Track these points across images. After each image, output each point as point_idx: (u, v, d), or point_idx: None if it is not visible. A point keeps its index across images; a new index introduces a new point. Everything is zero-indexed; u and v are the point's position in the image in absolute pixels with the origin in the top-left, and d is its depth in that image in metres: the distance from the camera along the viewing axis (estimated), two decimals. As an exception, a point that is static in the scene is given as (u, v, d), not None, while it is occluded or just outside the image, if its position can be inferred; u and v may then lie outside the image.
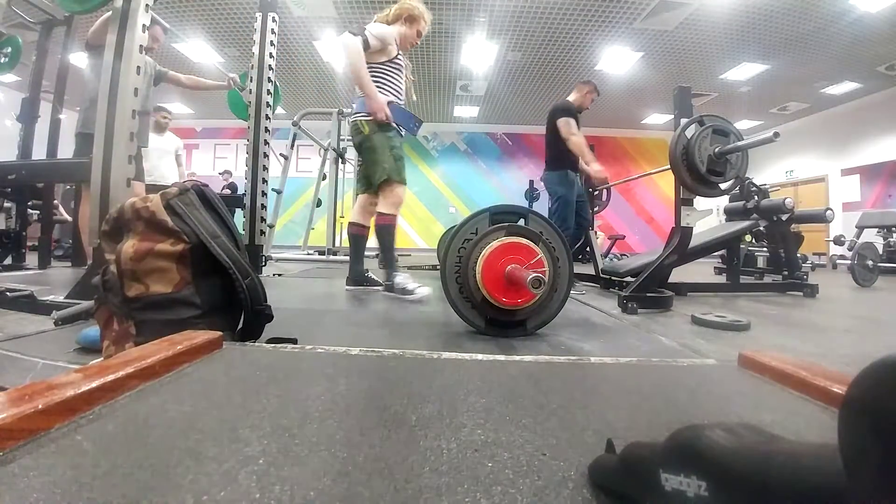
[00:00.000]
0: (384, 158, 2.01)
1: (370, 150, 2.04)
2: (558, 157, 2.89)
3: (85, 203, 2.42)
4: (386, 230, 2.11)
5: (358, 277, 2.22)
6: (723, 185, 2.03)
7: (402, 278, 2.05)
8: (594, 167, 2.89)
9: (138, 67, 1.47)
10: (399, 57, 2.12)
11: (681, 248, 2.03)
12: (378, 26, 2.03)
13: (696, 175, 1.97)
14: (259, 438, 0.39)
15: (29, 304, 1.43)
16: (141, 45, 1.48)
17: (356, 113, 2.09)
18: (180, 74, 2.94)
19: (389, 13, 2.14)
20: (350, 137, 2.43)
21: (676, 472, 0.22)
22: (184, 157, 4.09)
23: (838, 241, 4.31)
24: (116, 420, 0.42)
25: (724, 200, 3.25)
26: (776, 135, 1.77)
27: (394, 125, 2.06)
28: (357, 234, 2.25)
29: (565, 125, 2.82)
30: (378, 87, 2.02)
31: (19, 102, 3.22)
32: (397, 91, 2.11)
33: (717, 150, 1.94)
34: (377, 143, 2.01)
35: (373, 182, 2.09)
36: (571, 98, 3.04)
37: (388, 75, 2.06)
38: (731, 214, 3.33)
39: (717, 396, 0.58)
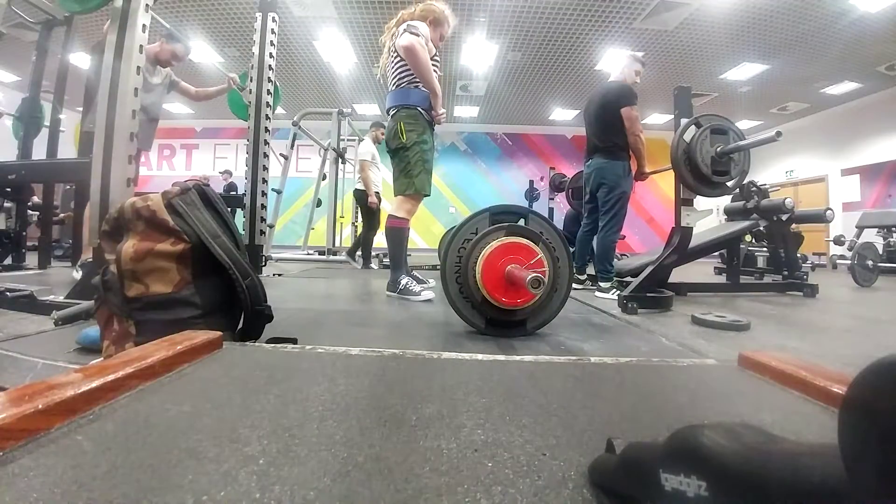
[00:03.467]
0: (416, 172, 2.05)
1: (405, 159, 2.08)
2: (621, 145, 2.55)
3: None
4: (397, 232, 2.15)
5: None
6: (729, 184, 2.03)
7: (407, 279, 2.09)
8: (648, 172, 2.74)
9: (138, 67, 1.47)
10: (436, 56, 2.15)
11: (681, 248, 2.03)
12: (421, 25, 2.04)
13: (698, 175, 1.97)
14: (259, 438, 0.39)
15: (29, 304, 1.43)
16: (141, 45, 1.48)
17: (393, 107, 2.11)
18: (189, 86, 2.95)
19: (415, 12, 2.14)
20: (350, 137, 2.45)
21: (676, 472, 0.22)
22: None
23: (838, 241, 4.31)
24: (116, 420, 0.42)
25: (724, 200, 3.25)
26: (778, 134, 1.76)
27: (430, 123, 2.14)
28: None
29: (637, 119, 2.49)
30: (416, 85, 2.05)
31: (19, 102, 3.22)
32: None
33: (719, 149, 1.94)
34: (413, 156, 2.05)
35: (396, 190, 2.13)
36: (623, 78, 2.64)
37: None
38: (731, 214, 3.33)
39: (717, 396, 0.58)
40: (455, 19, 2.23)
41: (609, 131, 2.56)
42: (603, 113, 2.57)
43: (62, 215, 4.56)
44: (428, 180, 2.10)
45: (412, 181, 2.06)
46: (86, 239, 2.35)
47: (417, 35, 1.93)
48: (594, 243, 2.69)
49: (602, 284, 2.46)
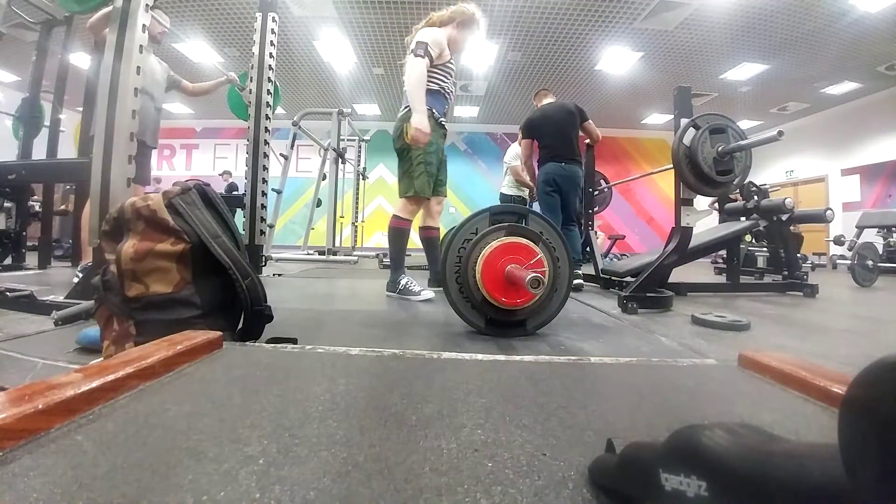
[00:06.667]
0: (417, 174, 2.05)
1: (407, 160, 2.08)
2: (580, 155, 2.99)
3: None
4: (399, 232, 2.15)
5: (439, 279, 2.27)
6: (734, 182, 2.02)
7: (406, 279, 2.10)
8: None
9: (138, 67, 1.47)
10: (451, 61, 2.14)
11: (681, 248, 2.03)
12: (431, 32, 2.03)
13: (700, 175, 1.97)
14: (259, 438, 0.39)
15: (29, 304, 1.43)
16: (141, 45, 1.48)
17: (403, 107, 2.11)
18: (187, 82, 2.95)
19: (445, 14, 2.16)
20: (350, 137, 2.44)
21: (676, 472, 0.22)
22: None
23: (838, 241, 4.31)
24: (116, 420, 0.42)
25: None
26: (780, 133, 1.76)
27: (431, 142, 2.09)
28: (429, 238, 2.34)
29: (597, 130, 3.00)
30: (428, 87, 2.04)
31: (19, 102, 3.22)
32: (447, 93, 2.16)
33: (720, 148, 1.93)
34: (414, 156, 2.05)
35: (399, 191, 2.14)
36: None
37: (437, 78, 2.08)
38: (731, 214, 3.34)
39: (717, 396, 0.58)
40: (484, 21, 2.24)
41: (577, 142, 2.97)
42: (575, 125, 2.96)
43: (62, 206, 4.56)
44: (428, 183, 2.08)
45: (412, 183, 2.06)
46: (85, 239, 2.35)
47: (422, 57, 1.94)
48: (571, 236, 3.01)
49: (577, 272, 2.79)
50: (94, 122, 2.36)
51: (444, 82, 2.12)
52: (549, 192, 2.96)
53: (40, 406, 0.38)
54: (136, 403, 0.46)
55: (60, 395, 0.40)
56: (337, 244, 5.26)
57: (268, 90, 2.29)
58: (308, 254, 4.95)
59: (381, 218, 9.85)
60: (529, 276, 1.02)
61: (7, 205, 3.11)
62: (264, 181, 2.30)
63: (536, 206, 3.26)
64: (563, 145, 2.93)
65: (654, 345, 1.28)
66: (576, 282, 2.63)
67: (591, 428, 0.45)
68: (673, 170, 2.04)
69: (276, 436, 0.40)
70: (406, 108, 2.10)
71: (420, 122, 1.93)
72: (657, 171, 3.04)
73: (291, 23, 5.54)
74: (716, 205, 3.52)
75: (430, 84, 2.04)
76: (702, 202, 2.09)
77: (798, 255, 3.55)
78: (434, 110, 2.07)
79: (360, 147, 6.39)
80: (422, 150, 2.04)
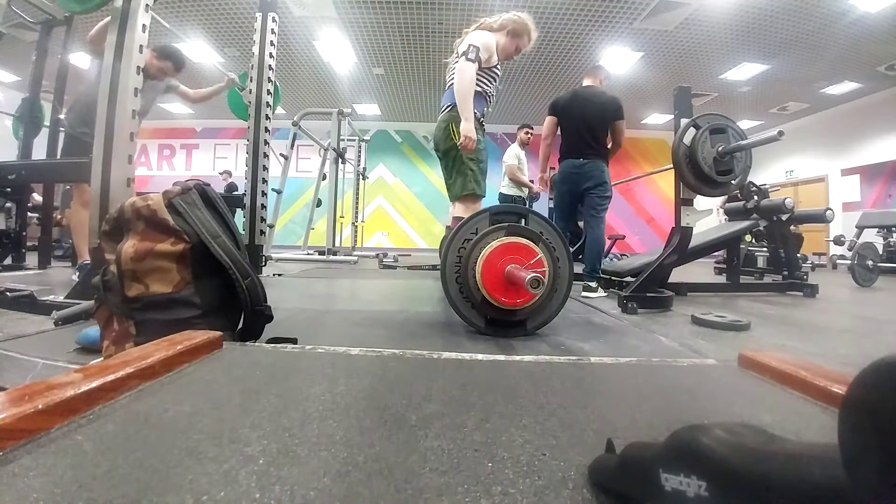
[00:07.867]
0: (472, 172, 2.00)
1: (458, 160, 2.02)
2: (606, 150, 2.64)
3: (76, 203, 2.41)
4: None
5: None
6: (734, 182, 2.01)
7: None
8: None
9: (138, 67, 1.47)
10: (497, 67, 2.10)
11: (681, 248, 2.03)
12: (483, 36, 2.00)
13: (700, 175, 1.97)
14: (259, 438, 0.39)
15: (29, 304, 1.43)
16: (141, 45, 1.48)
17: (448, 105, 2.05)
18: (187, 89, 2.94)
19: (496, 21, 2.12)
20: (350, 137, 2.39)
21: (676, 472, 0.22)
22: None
23: (838, 241, 4.31)
24: (116, 420, 0.42)
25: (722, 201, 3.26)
26: (781, 133, 1.76)
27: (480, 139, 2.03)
28: None
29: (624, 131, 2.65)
30: (477, 88, 2.00)
31: (19, 102, 3.22)
32: (488, 95, 2.11)
33: (720, 148, 1.94)
34: (465, 156, 1.99)
35: (453, 192, 2.07)
36: (604, 88, 2.74)
37: (482, 81, 2.03)
38: (731, 214, 3.34)
39: (717, 396, 0.58)
40: (536, 33, 2.18)
41: (604, 136, 2.61)
42: (603, 118, 2.60)
43: (60, 217, 4.55)
44: (483, 181, 2.03)
45: (467, 182, 1.99)
46: (77, 245, 2.34)
47: (473, 61, 1.91)
48: (587, 242, 2.62)
49: (591, 284, 2.46)
50: (73, 118, 2.37)
51: (488, 86, 2.08)
52: (563, 192, 2.69)
53: (40, 406, 0.38)
54: (136, 403, 0.46)
55: (60, 395, 0.40)
56: (337, 244, 5.26)
57: (268, 90, 2.29)
58: (308, 254, 4.95)
59: (381, 218, 9.85)
60: (529, 276, 1.02)
61: (7, 205, 3.11)
62: (264, 181, 2.30)
63: (536, 206, 3.21)
64: (584, 138, 2.61)
65: (654, 345, 1.28)
66: (589, 291, 2.41)
67: (591, 428, 0.45)
68: (673, 170, 2.05)
69: (276, 436, 0.40)
70: (448, 107, 2.05)
71: (469, 129, 1.89)
72: (657, 171, 3.05)
73: (291, 23, 5.53)
74: (726, 206, 3.47)
75: (475, 86, 1.99)
76: (706, 203, 2.09)
77: (798, 255, 3.55)
78: (475, 111, 2.02)
79: (360, 147, 6.39)
80: (476, 147, 1.98)
